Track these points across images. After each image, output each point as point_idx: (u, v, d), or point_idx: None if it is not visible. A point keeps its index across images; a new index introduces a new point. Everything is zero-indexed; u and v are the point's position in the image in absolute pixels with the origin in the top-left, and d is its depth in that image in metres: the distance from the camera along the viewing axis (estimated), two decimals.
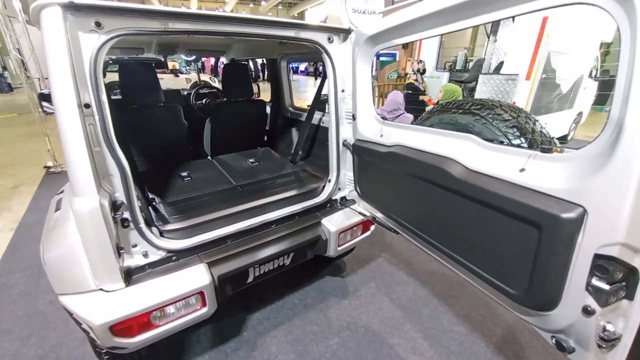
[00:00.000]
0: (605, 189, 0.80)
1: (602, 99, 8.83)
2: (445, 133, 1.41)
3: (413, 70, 6.51)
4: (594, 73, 6.67)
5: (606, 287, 0.82)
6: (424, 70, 6.97)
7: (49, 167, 4.92)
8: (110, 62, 5.04)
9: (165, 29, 1.28)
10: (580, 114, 6.96)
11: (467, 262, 1.27)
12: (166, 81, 7.74)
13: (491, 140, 1.23)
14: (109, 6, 1.14)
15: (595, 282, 0.85)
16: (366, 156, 1.86)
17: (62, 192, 1.75)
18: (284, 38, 1.66)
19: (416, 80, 6.31)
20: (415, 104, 6.08)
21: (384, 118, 1.88)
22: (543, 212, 0.93)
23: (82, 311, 1.24)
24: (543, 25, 5.02)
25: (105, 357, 1.56)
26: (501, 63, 5.87)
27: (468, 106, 2.09)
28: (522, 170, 1.04)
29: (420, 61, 7.16)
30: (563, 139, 6.62)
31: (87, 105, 1.16)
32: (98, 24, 1.15)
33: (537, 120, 2.06)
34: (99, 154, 1.23)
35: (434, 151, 1.38)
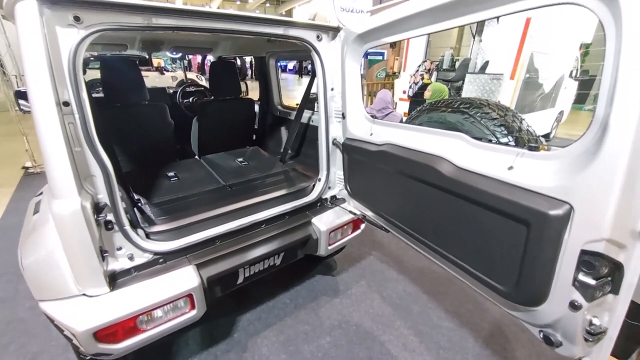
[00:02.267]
0: (591, 186, 0.82)
1: (582, 98, 9.13)
2: (435, 131, 1.42)
3: (426, 69, 6.64)
4: (574, 73, 6.89)
5: (592, 282, 0.84)
6: (430, 70, 7.18)
7: (27, 168, 4.73)
8: (92, 58, 4.88)
9: (148, 24, 1.24)
10: (561, 113, 7.17)
11: (457, 260, 1.28)
12: (151, 79, 7.54)
13: (480, 139, 1.24)
14: (88, 0, 1.09)
15: (581, 277, 0.87)
16: (356, 155, 1.86)
17: (41, 194, 1.68)
18: (272, 36, 1.64)
19: (429, 79, 6.48)
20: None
21: (373, 117, 1.88)
22: (531, 209, 0.94)
23: (64, 317, 1.20)
24: (526, 25, 5.14)
25: None
26: (486, 62, 5.99)
27: (457, 105, 2.11)
28: (511, 168, 1.05)
29: (432, 62, 7.38)
30: (545, 137, 6.81)
31: (67, 104, 1.12)
32: (77, 19, 1.10)
33: (523, 119, 2.11)
34: (80, 154, 1.19)
35: (424, 149, 1.39)
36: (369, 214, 1.90)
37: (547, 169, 0.96)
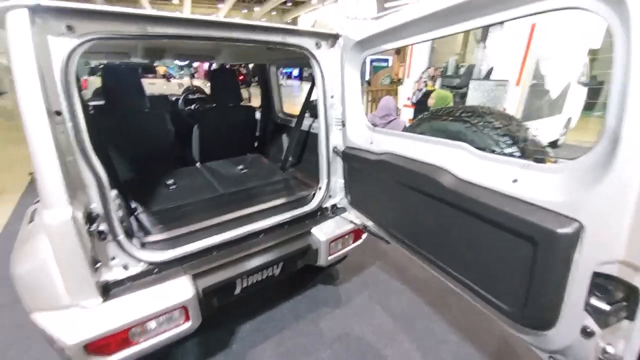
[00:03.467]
0: (603, 203, 0.76)
1: (592, 104, 8.97)
2: (437, 141, 1.38)
3: (429, 76, 6.68)
4: (582, 79, 6.77)
5: (606, 307, 0.77)
6: (434, 77, 7.20)
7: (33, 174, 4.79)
8: (101, 66, 4.96)
9: (143, 33, 1.23)
10: (569, 120, 7.04)
11: (459, 275, 1.22)
12: (158, 86, 7.63)
13: (483, 149, 1.19)
14: (81, 9, 1.08)
15: (594, 301, 0.80)
16: (356, 164, 1.82)
17: (37, 202, 1.67)
18: (270, 43, 1.62)
19: (433, 86, 6.55)
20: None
21: (374, 125, 1.84)
22: (537, 226, 0.89)
23: (54, 329, 1.17)
24: (532, 31, 5.08)
25: None
26: (491, 69, 5.93)
27: (458, 113, 2.07)
28: (515, 181, 1.00)
29: (436, 69, 7.43)
30: (553, 144, 6.68)
31: (59, 113, 1.10)
32: (69, 28, 1.09)
33: (528, 128, 2.05)
34: (72, 163, 1.17)
35: (424, 160, 1.35)
36: (370, 224, 1.85)
37: (555, 183, 0.91)
